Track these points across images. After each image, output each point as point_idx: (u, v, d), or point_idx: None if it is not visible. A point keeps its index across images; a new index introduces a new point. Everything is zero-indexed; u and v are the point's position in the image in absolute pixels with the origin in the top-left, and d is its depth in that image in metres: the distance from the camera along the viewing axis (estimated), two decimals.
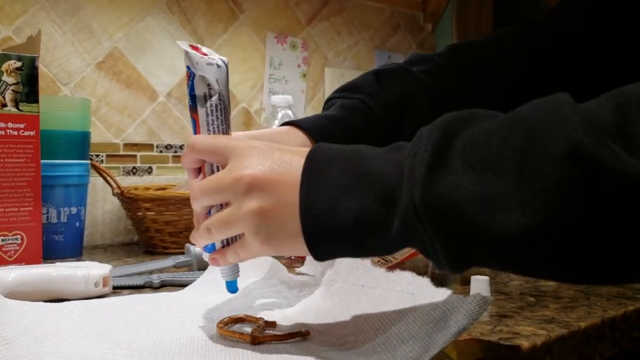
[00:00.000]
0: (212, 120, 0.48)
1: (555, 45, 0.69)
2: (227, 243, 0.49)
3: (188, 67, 0.48)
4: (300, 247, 0.43)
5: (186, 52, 0.48)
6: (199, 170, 0.50)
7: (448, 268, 0.39)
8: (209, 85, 0.48)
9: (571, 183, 0.33)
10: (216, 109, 0.48)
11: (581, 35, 0.68)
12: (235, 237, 0.48)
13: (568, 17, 0.70)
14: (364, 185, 0.40)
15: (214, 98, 0.48)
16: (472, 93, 0.67)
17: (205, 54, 0.49)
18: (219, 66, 0.49)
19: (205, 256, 0.50)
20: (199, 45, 0.50)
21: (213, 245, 0.49)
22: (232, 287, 0.53)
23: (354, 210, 0.40)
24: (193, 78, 0.48)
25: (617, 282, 0.39)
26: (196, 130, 0.49)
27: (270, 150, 0.45)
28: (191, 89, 0.48)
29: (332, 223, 0.41)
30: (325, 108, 0.67)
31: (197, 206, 0.48)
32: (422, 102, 0.65)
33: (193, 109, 0.49)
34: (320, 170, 0.42)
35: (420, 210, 0.37)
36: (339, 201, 0.40)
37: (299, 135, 0.59)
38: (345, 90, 0.67)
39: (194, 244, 0.78)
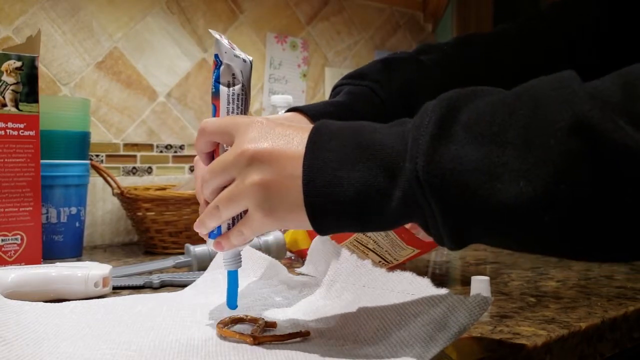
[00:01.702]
0: (232, 109, 0.50)
1: (564, 42, 0.69)
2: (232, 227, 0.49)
3: (216, 55, 0.50)
4: (302, 220, 0.43)
5: (216, 40, 0.50)
6: (212, 156, 0.50)
7: (448, 241, 0.39)
8: (233, 74, 0.50)
9: (575, 155, 0.33)
10: (237, 99, 0.50)
11: (592, 32, 0.67)
12: (240, 217, 0.48)
13: (577, 13, 0.70)
14: (367, 158, 0.40)
15: (237, 87, 0.50)
16: (480, 85, 0.68)
17: (234, 48, 0.50)
18: (244, 61, 0.50)
19: (210, 243, 0.51)
20: (229, 40, 0.51)
21: (219, 232, 0.49)
22: (233, 277, 0.52)
23: (356, 182, 0.40)
24: (220, 66, 0.50)
25: (616, 258, 0.38)
26: (215, 116, 0.51)
27: (273, 125, 0.45)
28: (216, 76, 0.50)
29: (334, 195, 0.41)
30: (332, 94, 0.67)
31: (207, 190, 0.48)
32: (429, 91, 0.65)
33: (215, 95, 0.50)
34: (323, 144, 0.42)
35: (423, 179, 0.37)
36: (342, 173, 0.41)
37: (304, 122, 0.59)
38: (352, 77, 0.66)
39: (193, 245, 0.79)
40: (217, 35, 0.50)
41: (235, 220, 0.49)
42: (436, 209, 0.38)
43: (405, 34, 1.66)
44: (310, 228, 0.43)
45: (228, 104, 0.50)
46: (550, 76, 0.37)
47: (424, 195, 0.38)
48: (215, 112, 0.51)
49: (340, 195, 0.41)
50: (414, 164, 0.38)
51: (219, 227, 0.49)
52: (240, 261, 0.53)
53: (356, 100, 0.63)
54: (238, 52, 0.50)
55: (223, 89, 0.50)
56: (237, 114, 0.50)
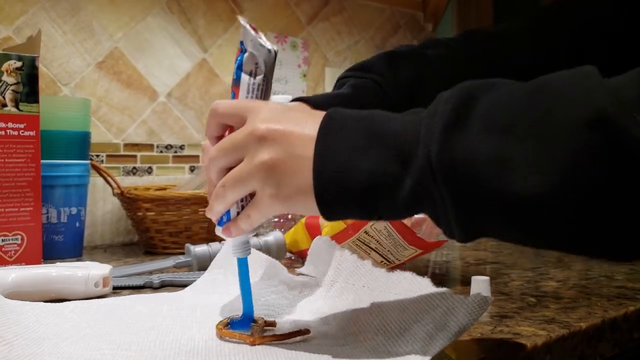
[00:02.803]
0: (251, 98, 0.49)
1: (571, 39, 0.68)
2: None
3: (241, 43, 0.49)
4: (309, 204, 0.42)
5: (243, 27, 0.49)
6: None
7: (458, 233, 0.39)
8: (256, 64, 0.49)
9: (592, 149, 0.33)
10: (257, 89, 0.49)
11: (600, 30, 0.67)
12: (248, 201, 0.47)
13: (584, 10, 0.69)
14: (379, 145, 0.40)
15: (259, 78, 0.49)
16: None
17: (260, 37, 0.50)
18: (269, 51, 0.49)
19: (218, 230, 0.50)
20: (257, 28, 0.50)
21: (228, 218, 0.49)
22: (243, 265, 0.52)
23: (367, 169, 0.40)
24: (244, 53, 0.49)
25: (628, 257, 0.38)
26: None
27: (286, 109, 0.45)
28: (239, 63, 0.49)
29: (344, 180, 0.40)
30: (336, 86, 0.67)
31: (214, 169, 0.47)
32: (435, 85, 0.65)
33: (235, 83, 0.49)
34: (335, 130, 0.42)
35: (436, 167, 0.37)
36: (353, 160, 0.40)
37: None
38: (357, 70, 0.66)
39: (194, 245, 0.79)
40: (243, 22, 0.49)
41: (244, 206, 0.48)
42: (447, 199, 0.37)
43: (406, 34, 1.66)
44: (318, 213, 0.43)
45: (247, 93, 0.49)
46: (570, 70, 0.36)
47: (436, 183, 0.37)
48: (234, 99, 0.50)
49: (350, 181, 0.40)
50: (427, 152, 0.37)
51: (229, 213, 0.48)
52: (250, 249, 0.52)
53: (360, 92, 0.62)
54: (264, 41, 0.49)
55: (244, 77, 0.49)
56: None
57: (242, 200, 0.48)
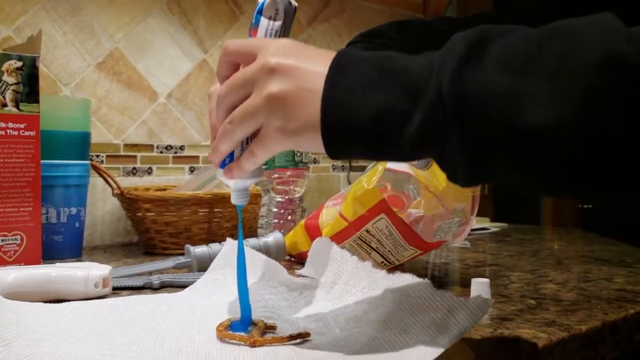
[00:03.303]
0: None
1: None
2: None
3: None
4: (315, 140, 0.42)
5: None
6: None
7: (461, 173, 0.39)
8: (277, 10, 0.49)
9: (605, 89, 0.33)
10: (275, 34, 0.50)
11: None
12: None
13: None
14: (390, 81, 0.40)
15: (277, 23, 0.50)
16: None
17: None
18: (290, 3, 0.50)
19: (220, 173, 0.50)
20: None
21: (231, 160, 0.49)
22: (241, 258, 0.52)
23: (377, 104, 0.40)
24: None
25: (634, 194, 0.38)
26: None
27: (298, 46, 0.45)
28: (260, 7, 0.50)
29: (352, 116, 0.40)
30: None
31: (222, 107, 0.47)
32: None
33: (254, 26, 0.50)
34: (347, 66, 0.42)
35: (447, 99, 0.37)
36: (362, 95, 0.40)
37: None
38: (367, 35, 0.66)
39: (194, 246, 0.79)
40: None
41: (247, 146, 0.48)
42: (456, 133, 0.37)
43: None
44: (322, 149, 0.42)
45: (265, 35, 0.49)
46: (587, 16, 0.37)
47: (445, 117, 0.37)
48: None
49: (358, 116, 0.40)
50: (439, 85, 0.37)
51: (231, 155, 0.48)
52: (248, 196, 0.52)
53: None
54: None
55: (263, 21, 0.49)
56: None
57: (246, 142, 0.48)
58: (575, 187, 0.38)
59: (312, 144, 0.43)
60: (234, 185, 0.51)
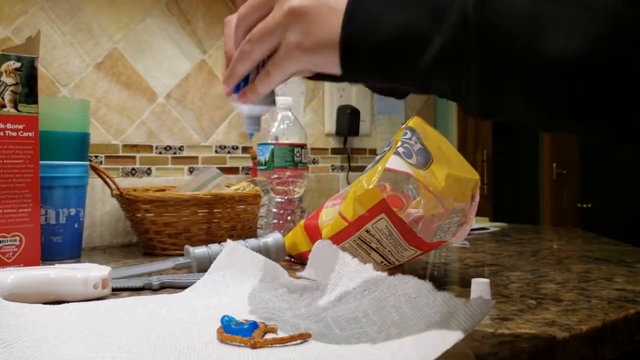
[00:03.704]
0: None
1: None
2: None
3: None
4: (332, 58, 0.42)
5: None
6: None
7: (475, 103, 0.39)
8: None
9: (627, 20, 0.33)
10: None
11: None
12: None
13: None
14: (413, 1, 0.40)
15: None
16: None
17: None
18: None
19: (234, 99, 0.49)
20: None
21: (245, 83, 0.48)
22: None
23: (399, 22, 0.39)
24: None
25: (635, 139, 0.38)
26: None
27: None
28: None
29: (372, 32, 0.40)
30: None
31: (242, 27, 0.47)
32: None
33: None
34: None
35: (471, 21, 0.37)
36: (384, 13, 0.40)
37: None
38: None
39: (193, 246, 0.79)
40: None
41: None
42: (476, 57, 0.37)
43: None
44: (337, 69, 0.42)
45: None
46: None
47: (468, 39, 0.37)
48: None
49: (378, 34, 0.40)
50: (464, 5, 0.37)
51: (246, 79, 0.48)
52: (260, 124, 0.51)
53: None
54: None
55: None
56: None
57: (262, 66, 0.47)
58: (583, 123, 0.38)
59: (329, 63, 0.43)
60: (247, 112, 0.50)
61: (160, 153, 1.21)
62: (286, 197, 1.06)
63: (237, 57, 0.47)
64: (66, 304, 0.57)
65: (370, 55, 0.41)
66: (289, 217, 1.05)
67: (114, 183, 0.99)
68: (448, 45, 0.38)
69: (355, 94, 1.58)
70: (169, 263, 0.78)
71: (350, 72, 0.42)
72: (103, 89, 1.13)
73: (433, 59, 0.39)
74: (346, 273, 0.57)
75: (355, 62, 0.42)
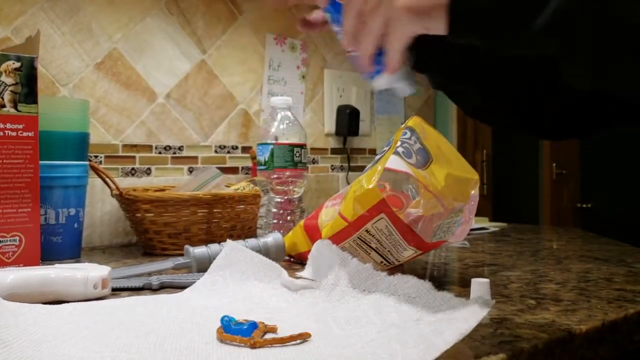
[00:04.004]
0: None
1: None
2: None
3: None
4: (441, 18, 0.42)
5: None
6: None
7: (583, 74, 0.39)
8: None
9: None
10: None
11: None
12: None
13: None
14: None
15: None
16: None
17: None
18: None
19: (380, 78, 0.51)
20: None
21: (380, 68, 0.50)
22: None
23: None
24: None
25: None
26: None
27: None
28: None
29: None
30: None
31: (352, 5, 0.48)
32: None
33: None
34: None
35: None
36: None
37: None
38: None
39: (193, 246, 0.79)
40: None
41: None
42: (591, 17, 0.36)
43: None
44: (442, 29, 0.42)
45: None
46: None
47: (583, 4, 0.37)
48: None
49: None
50: None
51: (379, 62, 0.49)
52: (415, 83, 0.53)
53: None
54: None
55: None
56: None
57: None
58: None
59: (435, 23, 0.43)
60: (398, 76, 0.51)
61: (160, 153, 1.21)
62: (286, 197, 1.06)
63: (355, 35, 0.48)
64: (66, 304, 0.57)
65: (481, 12, 0.41)
66: (288, 217, 1.05)
67: (114, 183, 0.99)
68: (563, 7, 0.38)
69: (355, 94, 1.58)
70: (168, 263, 0.78)
71: (457, 27, 0.43)
72: (103, 89, 1.13)
73: (547, 20, 0.38)
74: (346, 273, 0.57)
75: (465, 18, 0.42)
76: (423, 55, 0.52)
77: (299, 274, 0.67)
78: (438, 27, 0.44)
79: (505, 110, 0.57)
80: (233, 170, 1.32)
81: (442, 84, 0.59)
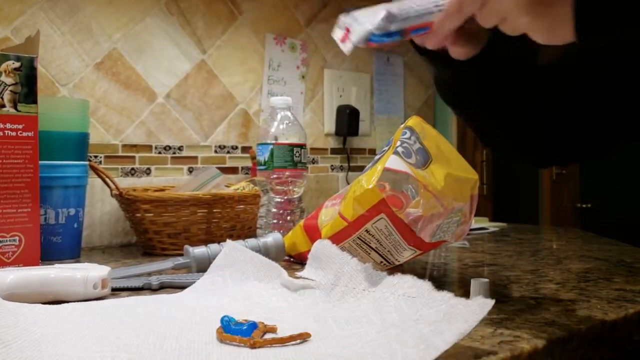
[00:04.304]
0: None
1: None
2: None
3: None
4: (565, 13, 0.41)
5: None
6: None
7: None
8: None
9: None
10: None
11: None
12: None
13: None
14: None
15: None
16: None
17: None
18: None
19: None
20: None
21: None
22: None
23: None
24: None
25: None
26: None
27: None
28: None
29: None
30: None
31: None
32: None
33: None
34: None
35: None
36: None
37: None
38: None
39: (192, 246, 0.78)
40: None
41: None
42: None
43: None
44: (567, 25, 0.41)
45: None
46: None
47: None
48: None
49: None
50: None
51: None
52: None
53: None
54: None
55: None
56: None
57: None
58: None
59: (560, 18, 0.41)
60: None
61: (159, 153, 1.21)
62: (285, 197, 1.06)
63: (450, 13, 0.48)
64: (66, 304, 0.57)
65: (610, 7, 0.40)
66: (288, 217, 1.05)
67: (114, 183, 0.99)
68: None
69: (355, 94, 1.58)
70: (168, 263, 0.78)
71: (584, 24, 0.41)
72: (102, 89, 1.13)
73: None
74: (346, 273, 0.57)
75: (590, 15, 0.40)
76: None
77: (298, 274, 0.67)
78: (557, 21, 0.41)
79: (515, 137, 0.53)
80: (233, 170, 1.32)
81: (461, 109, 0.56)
